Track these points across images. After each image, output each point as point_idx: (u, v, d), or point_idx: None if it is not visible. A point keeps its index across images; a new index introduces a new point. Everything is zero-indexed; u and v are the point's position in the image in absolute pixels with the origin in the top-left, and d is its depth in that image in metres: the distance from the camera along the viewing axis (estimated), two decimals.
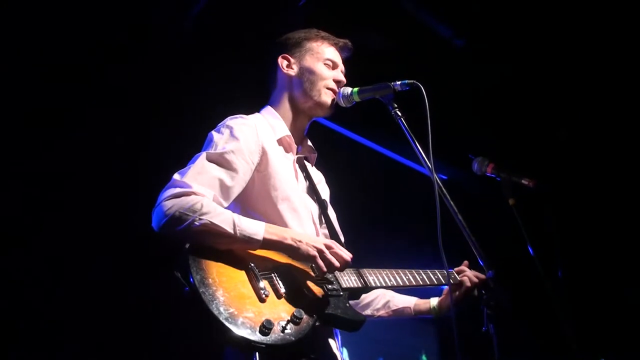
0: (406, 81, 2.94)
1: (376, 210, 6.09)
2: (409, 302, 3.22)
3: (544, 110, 6.24)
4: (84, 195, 4.18)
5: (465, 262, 3.11)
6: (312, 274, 2.66)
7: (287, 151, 3.03)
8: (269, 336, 2.31)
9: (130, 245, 4.12)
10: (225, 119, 2.90)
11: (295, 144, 3.09)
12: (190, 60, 4.76)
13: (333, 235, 2.95)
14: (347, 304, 2.65)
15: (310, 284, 2.62)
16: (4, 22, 4.11)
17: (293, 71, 3.13)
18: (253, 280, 2.47)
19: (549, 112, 6.26)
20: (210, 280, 2.37)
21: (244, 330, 2.28)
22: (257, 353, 2.29)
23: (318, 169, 3.33)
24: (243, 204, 2.79)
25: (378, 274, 2.85)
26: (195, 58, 4.78)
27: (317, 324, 2.49)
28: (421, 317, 3.24)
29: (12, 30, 4.14)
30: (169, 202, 2.50)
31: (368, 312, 3.18)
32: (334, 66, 3.17)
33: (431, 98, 2.82)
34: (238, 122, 2.86)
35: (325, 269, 2.58)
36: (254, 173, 2.78)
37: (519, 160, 5.07)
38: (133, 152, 4.42)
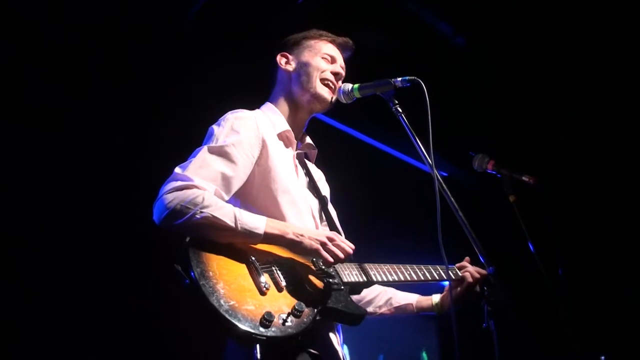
0: (407, 77, 2.96)
1: (376, 206, 6.08)
2: (411, 299, 3.21)
3: (544, 108, 6.24)
4: (84, 194, 4.18)
5: (467, 258, 3.10)
6: (313, 267, 2.66)
7: (286, 146, 3.04)
8: (269, 328, 2.30)
9: (131, 242, 4.12)
10: (226, 114, 2.91)
11: (295, 139, 3.10)
12: (190, 59, 4.77)
13: (333, 230, 2.93)
14: (348, 298, 2.64)
15: (311, 277, 2.62)
16: (4, 22, 4.11)
17: (291, 67, 3.16)
18: (254, 273, 2.47)
19: (550, 109, 6.26)
20: (210, 273, 2.37)
21: (245, 322, 2.27)
22: (258, 346, 2.28)
23: (318, 167, 3.34)
24: (243, 198, 2.79)
25: (379, 269, 2.85)
26: (195, 57, 4.78)
27: (317, 317, 2.48)
28: (423, 314, 3.22)
29: (13, 29, 4.14)
30: (170, 195, 2.50)
31: (370, 309, 3.16)
32: (333, 60, 3.18)
33: (432, 95, 2.83)
34: (239, 116, 2.87)
35: (331, 260, 2.58)
36: (254, 166, 2.78)
37: (520, 157, 5.08)
38: (134, 148, 4.42)
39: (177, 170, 2.62)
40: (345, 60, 3.26)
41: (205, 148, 2.70)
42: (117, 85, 4.48)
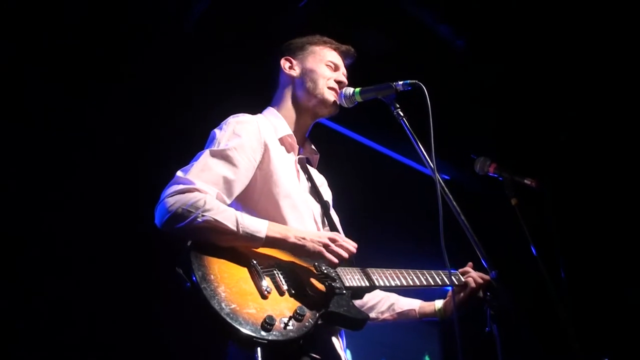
0: (408, 81, 2.94)
1: (378, 210, 6.08)
2: (414, 304, 3.19)
3: (545, 111, 6.24)
4: (84, 194, 4.18)
5: (470, 263, 3.08)
6: (314, 271, 2.65)
7: (288, 151, 3.03)
8: (271, 332, 2.30)
9: (131, 242, 4.11)
10: (228, 118, 2.90)
11: (297, 144, 3.10)
12: (191, 61, 4.76)
13: None
14: (350, 303, 2.63)
15: (313, 281, 2.61)
16: (4, 22, 4.10)
17: (295, 72, 3.16)
18: (255, 277, 2.47)
19: (551, 112, 6.26)
20: (212, 276, 2.37)
21: (246, 326, 2.27)
22: (259, 349, 2.27)
23: (320, 172, 3.33)
24: (244, 202, 2.78)
25: (382, 274, 2.83)
26: (196, 59, 4.78)
27: (319, 321, 2.48)
28: (426, 319, 3.19)
29: (13, 29, 4.13)
30: (172, 199, 2.50)
31: (373, 314, 3.14)
32: (336, 68, 3.19)
33: (433, 98, 2.82)
34: (240, 120, 2.87)
35: (335, 262, 2.57)
36: (256, 171, 2.78)
37: (521, 160, 5.08)
38: (134, 148, 4.41)
39: (179, 173, 2.61)
40: (346, 68, 3.27)
41: (207, 152, 2.70)
42: (117, 85, 4.46)
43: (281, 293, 2.47)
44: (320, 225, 2.98)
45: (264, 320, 2.30)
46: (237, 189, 2.69)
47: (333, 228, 3.00)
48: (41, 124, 4.17)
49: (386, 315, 3.19)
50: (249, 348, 2.28)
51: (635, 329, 5.96)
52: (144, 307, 4.15)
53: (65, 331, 3.95)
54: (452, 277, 3.01)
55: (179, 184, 2.55)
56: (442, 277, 3.01)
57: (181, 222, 2.45)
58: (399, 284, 2.86)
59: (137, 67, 4.56)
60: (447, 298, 3.13)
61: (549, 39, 5.54)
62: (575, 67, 5.78)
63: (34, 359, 3.89)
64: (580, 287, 4.99)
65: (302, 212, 2.87)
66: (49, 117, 4.20)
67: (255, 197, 2.80)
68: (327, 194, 3.25)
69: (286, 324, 2.35)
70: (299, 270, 2.62)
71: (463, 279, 3.05)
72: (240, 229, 2.48)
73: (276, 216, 2.75)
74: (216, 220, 2.45)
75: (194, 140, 2.98)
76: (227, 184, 2.65)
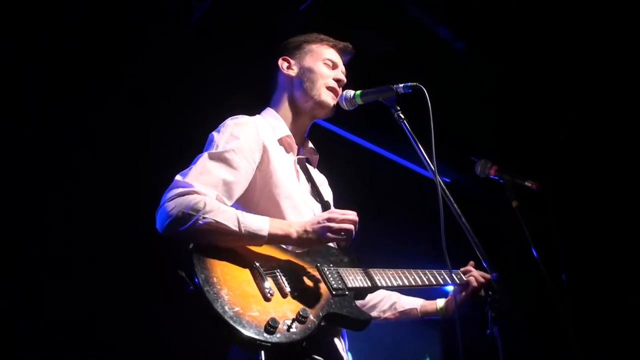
0: (409, 84, 2.94)
1: (379, 212, 6.08)
2: (416, 303, 3.21)
3: (545, 111, 6.24)
4: (84, 194, 4.17)
5: (471, 262, 3.09)
6: (317, 272, 2.66)
7: (287, 151, 3.03)
8: (274, 335, 2.30)
9: (131, 242, 4.11)
10: (226, 120, 2.90)
11: (296, 144, 3.10)
12: (191, 63, 4.75)
13: None
14: (353, 304, 2.64)
15: (315, 282, 2.62)
16: (4, 22, 4.10)
17: (293, 72, 3.15)
18: (258, 279, 2.47)
19: (551, 112, 6.26)
20: (214, 279, 2.37)
21: (249, 329, 2.27)
22: (262, 352, 2.28)
23: (321, 172, 3.33)
24: (244, 204, 2.78)
25: (384, 274, 2.84)
26: (196, 61, 4.77)
27: (322, 323, 2.48)
28: (428, 318, 3.21)
29: (13, 29, 4.12)
30: (172, 203, 2.49)
31: (374, 313, 3.16)
32: (334, 66, 3.18)
33: (434, 101, 2.82)
34: (238, 122, 2.87)
35: (346, 240, 2.58)
36: (255, 172, 2.78)
37: (522, 162, 5.08)
38: (134, 148, 4.41)
39: (178, 177, 2.61)
40: (345, 64, 3.26)
41: (205, 155, 2.70)
42: (117, 86, 4.46)
43: (284, 295, 2.47)
44: None
45: (267, 323, 2.30)
46: (237, 191, 2.69)
47: None
48: (41, 124, 4.16)
49: (388, 314, 3.20)
50: (253, 351, 2.29)
51: (636, 330, 5.97)
52: (144, 308, 4.15)
53: (65, 331, 3.94)
54: (454, 276, 3.03)
55: (178, 187, 2.55)
56: (443, 276, 3.02)
57: (182, 225, 2.44)
58: (400, 284, 2.87)
59: (137, 67, 4.55)
60: (449, 297, 3.14)
61: (549, 40, 5.54)
62: (575, 67, 5.78)
63: (34, 359, 3.89)
64: (581, 287, 4.98)
65: (303, 212, 2.87)
66: (49, 117, 4.19)
67: (255, 198, 2.80)
68: (328, 194, 3.25)
69: (289, 326, 2.36)
70: (302, 272, 2.62)
71: (465, 278, 3.07)
72: (242, 229, 2.48)
73: (277, 217, 2.74)
74: (217, 222, 2.45)
75: (194, 140, 2.98)
76: (227, 186, 2.64)
